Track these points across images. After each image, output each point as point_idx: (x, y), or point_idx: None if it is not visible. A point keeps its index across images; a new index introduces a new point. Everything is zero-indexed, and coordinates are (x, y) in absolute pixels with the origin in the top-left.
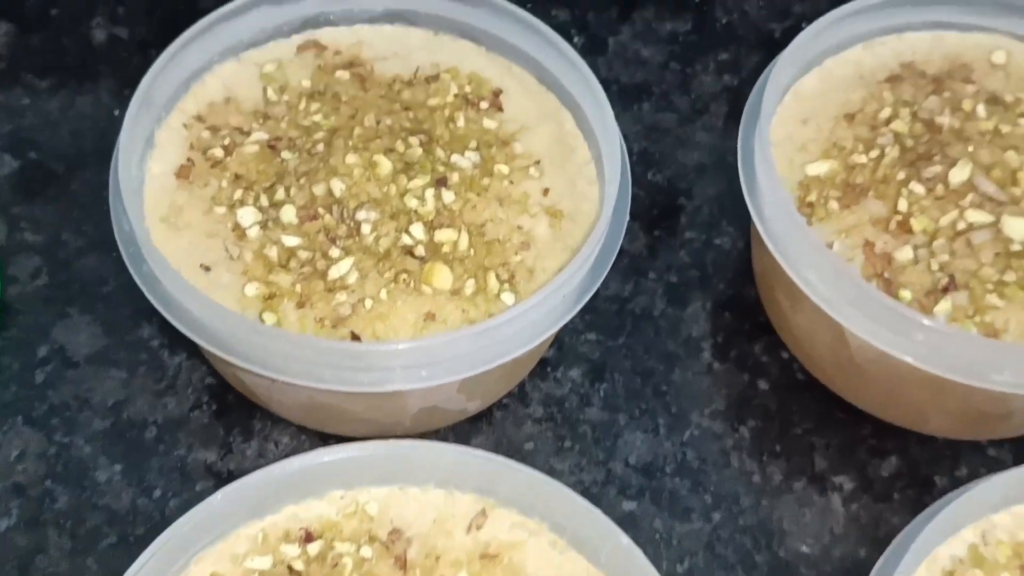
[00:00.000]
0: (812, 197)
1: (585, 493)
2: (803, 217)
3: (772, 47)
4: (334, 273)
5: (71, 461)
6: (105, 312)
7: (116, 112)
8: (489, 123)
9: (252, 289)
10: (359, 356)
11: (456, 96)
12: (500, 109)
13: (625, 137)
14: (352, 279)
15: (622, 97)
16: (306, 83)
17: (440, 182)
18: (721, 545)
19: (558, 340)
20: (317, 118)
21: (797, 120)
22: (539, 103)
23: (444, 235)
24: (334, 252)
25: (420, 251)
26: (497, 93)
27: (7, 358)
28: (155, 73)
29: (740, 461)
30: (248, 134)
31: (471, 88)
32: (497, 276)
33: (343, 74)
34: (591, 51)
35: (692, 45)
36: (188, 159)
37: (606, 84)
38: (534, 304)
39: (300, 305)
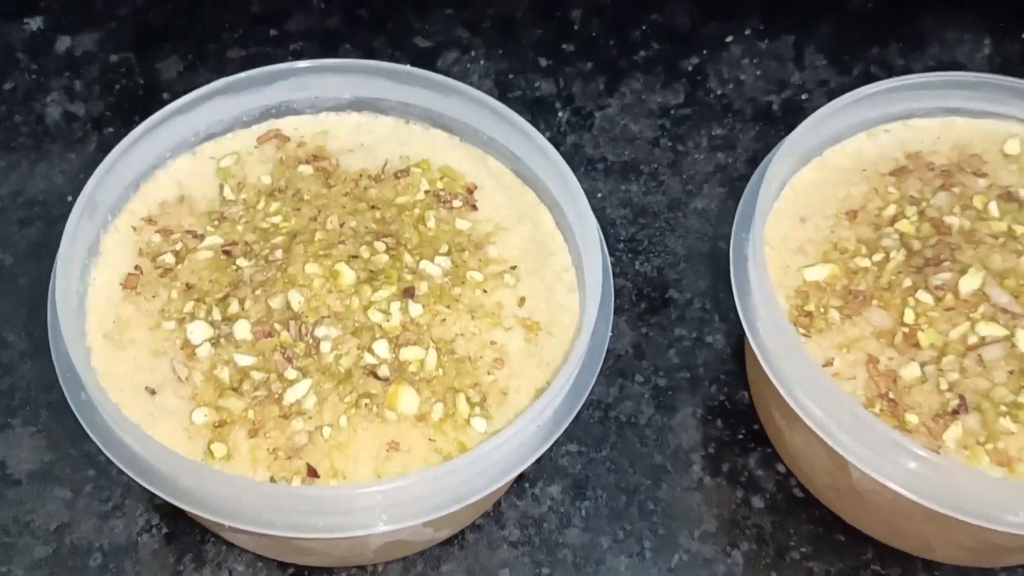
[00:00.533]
0: (810, 306)
1: None
2: (799, 330)
3: (769, 120)
4: (290, 397)
5: None
6: (50, 422)
7: (69, 198)
8: (462, 223)
9: (201, 416)
10: (313, 501)
11: (427, 193)
12: (474, 207)
13: (612, 222)
14: (309, 404)
15: (608, 176)
16: (266, 179)
17: (407, 293)
18: None
19: None
20: (276, 219)
21: (795, 218)
22: (516, 199)
23: (410, 353)
24: (291, 373)
25: (384, 371)
26: (471, 189)
27: None
28: (101, 175)
29: None
30: (202, 238)
31: (443, 184)
32: (468, 399)
33: (306, 168)
34: (577, 127)
35: (684, 119)
36: (136, 267)
37: (591, 162)
38: (506, 439)
39: (252, 434)
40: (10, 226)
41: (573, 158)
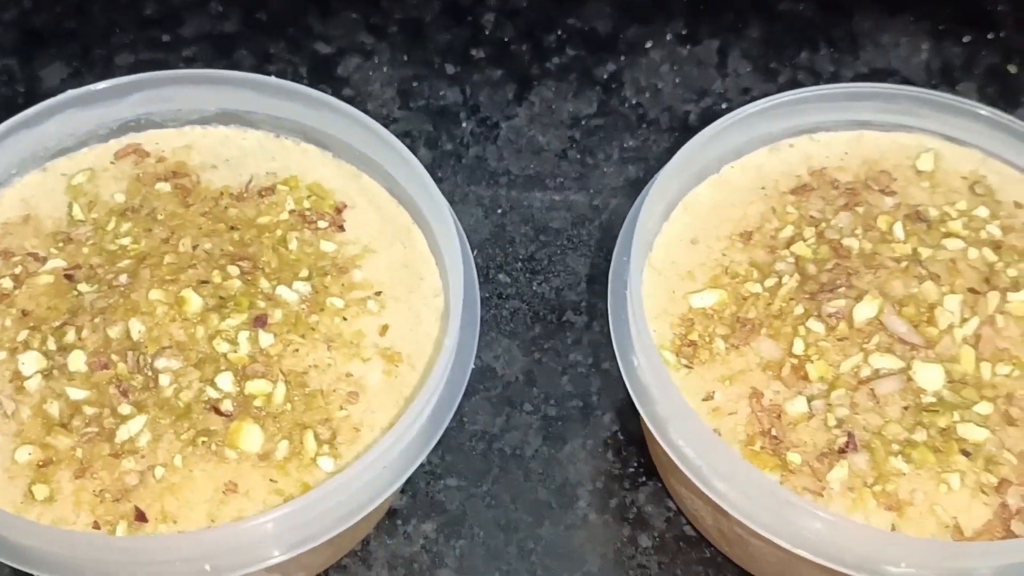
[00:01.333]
0: (695, 335)
1: None
2: (681, 360)
3: (686, 130)
4: (123, 434)
5: None
6: None
7: None
8: (327, 245)
9: (24, 454)
10: (128, 551)
11: (292, 213)
12: (341, 228)
13: (511, 240)
14: (143, 441)
15: (511, 190)
16: (120, 197)
17: (258, 321)
18: None
19: (412, 484)
20: (125, 241)
21: (685, 240)
22: (388, 220)
23: (257, 386)
24: (125, 408)
25: (227, 406)
26: (340, 208)
27: None
28: None
29: None
30: (44, 261)
31: (310, 203)
32: (316, 436)
33: (164, 186)
34: (481, 138)
35: (595, 129)
36: None
37: (494, 175)
38: (345, 482)
39: (79, 474)
40: None
41: (475, 171)
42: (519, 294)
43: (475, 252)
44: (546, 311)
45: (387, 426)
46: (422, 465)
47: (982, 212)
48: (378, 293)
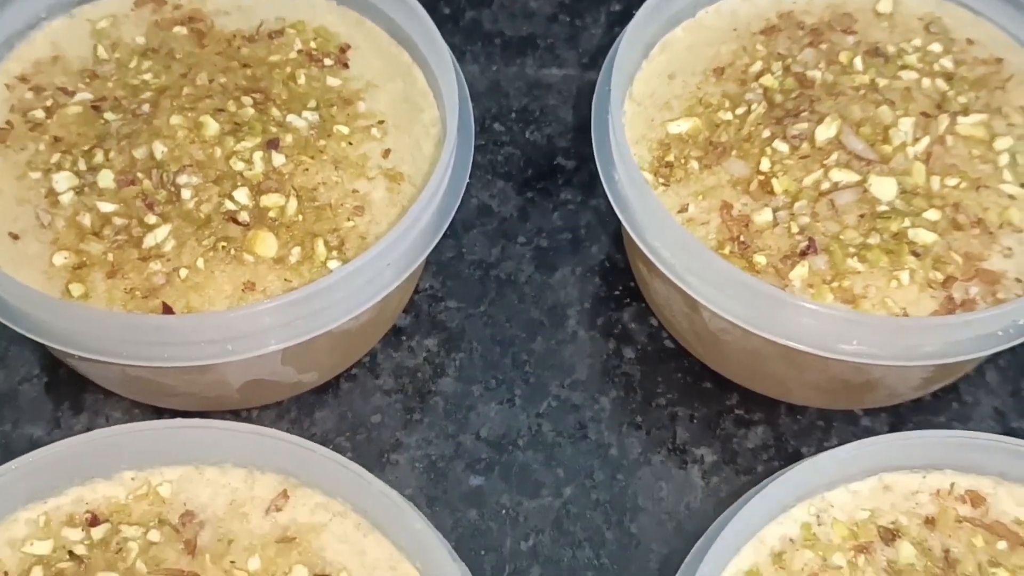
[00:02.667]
0: (671, 157)
1: (431, 467)
2: (658, 179)
3: None
4: (149, 241)
5: None
6: None
7: None
8: (333, 81)
9: (61, 259)
10: (158, 330)
11: (300, 52)
12: (346, 66)
13: (505, 94)
14: (168, 247)
15: (505, 51)
16: (140, 40)
17: (271, 144)
18: (570, 521)
19: (415, 306)
20: (147, 77)
21: (663, 75)
22: (389, 59)
23: (271, 200)
24: (151, 219)
25: (244, 217)
26: (344, 49)
27: None
28: None
29: (598, 434)
30: (72, 94)
31: (316, 44)
32: (326, 243)
33: (180, 30)
34: (477, 3)
35: None
36: (7, 122)
37: (489, 37)
38: (353, 270)
39: (111, 275)
40: None
41: (471, 33)
42: (513, 141)
43: (472, 104)
44: (538, 156)
45: None
46: (424, 289)
47: (936, 48)
48: (381, 122)
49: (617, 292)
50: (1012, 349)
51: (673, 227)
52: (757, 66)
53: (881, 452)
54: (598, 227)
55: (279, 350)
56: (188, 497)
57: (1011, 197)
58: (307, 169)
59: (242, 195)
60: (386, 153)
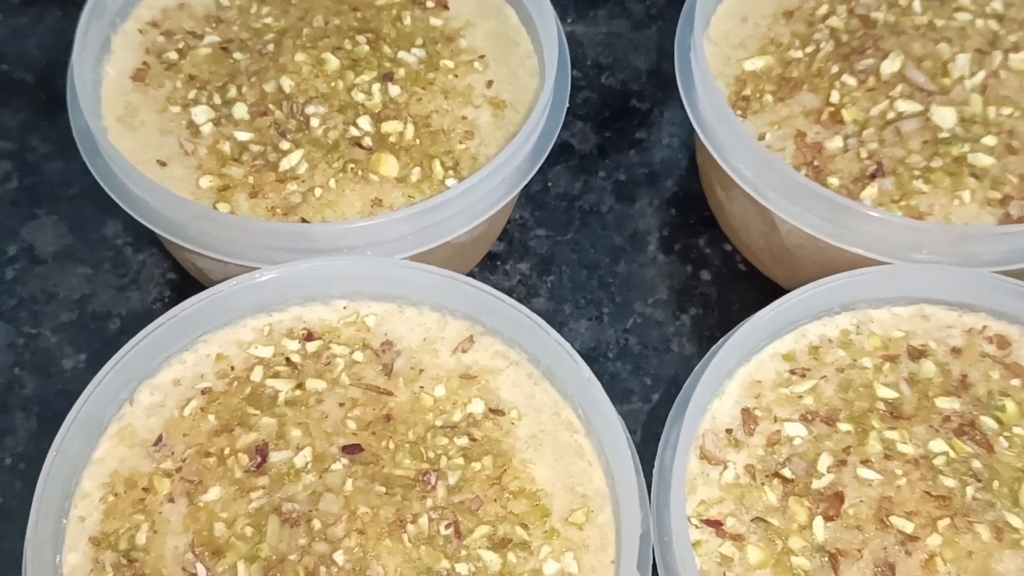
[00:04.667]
0: (747, 91)
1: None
2: (736, 111)
3: None
4: (285, 165)
5: (38, 351)
6: (71, 212)
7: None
8: (435, 21)
9: (206, 182)
10: (305, 237)
11: None
12: (446, 7)
13: (580, 44)
14: (302, 170)
15: (578, 5)
16: None
17: (387, 77)
18: (658, 424)
19: (507, 235)
20: (267, 20)
21: (737, 18)
22: (482, 0)
23: (391, 126)
24: (284, 145)
25: (367, 142)
26: None
27: None
28: None
29: (680, 346)
30: (201, 37)
31: None
32: (442, 163)
33: None
34: None
35: None
36: (144, 63)
37: None
38: (472, 185)
39: (252, 195)
40: (32, 51)
41: None
42: (589, 86)
43: None
44: (613, 99)
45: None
46: (515, 219)
47: None
48: (481, 56)
49: (692, 220)
50: None
51: (756, 148)
52: (823, 8)
53: (924, 280)
54: (672, 162)
55: (408, 256)
56: (389, 329)
57: None
58: (420, 99)
59: (364, 122)
60: (488, 84)
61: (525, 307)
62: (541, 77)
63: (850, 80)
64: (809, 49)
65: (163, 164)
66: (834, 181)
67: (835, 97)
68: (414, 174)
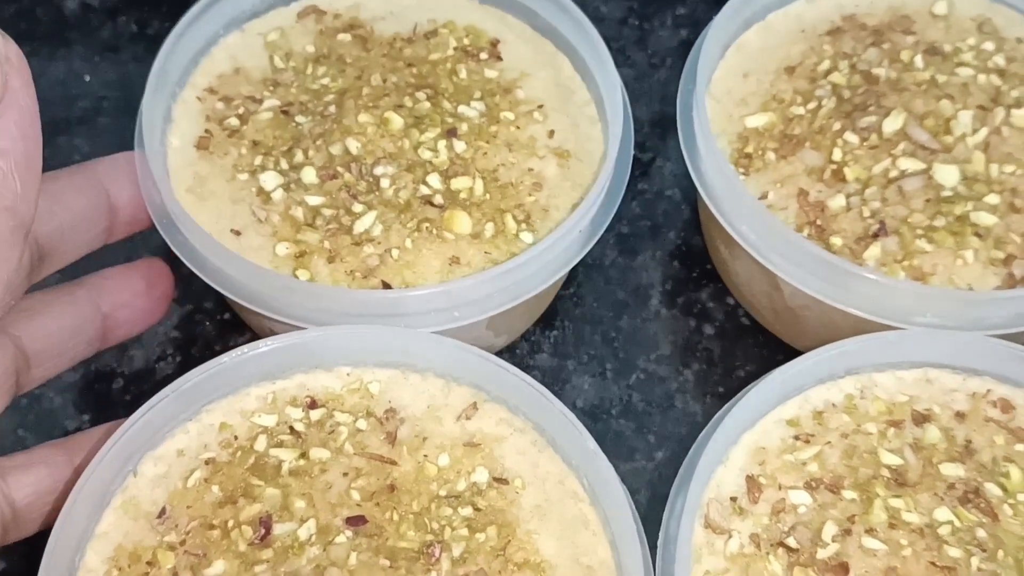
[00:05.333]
0: (750, 148)
1: None
2: (738, 169)
3: None
4: (359, 227)
5: (42, 413)
6: (75, 273)
7: (87, 78)
8: (490, 72)
9: (283, 249)
10: (392, 303)
11: (456, 49)
12: (499, 58)
13: None
14: (377, 231)
15: None
16: (310, 48)
17: (450, 133)
18: (663, 483)
19: None
20: (325, 81)
21: (738, 74)
22: (536, 50)
23: (460, 183)
24: (357, 207)
25: (439, 199)
26: (495, 43)
27: None
28: (167, 51)
29: (684, 403)
30: (260, 102)
31: (469, 40)
32: (514, 217)
33: (344, 37)
34: None
35: (650, 1)
36: (206, 131)
37: None
38: (552, 243)
39: (330, 260)
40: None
41: None
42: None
43: None
44: None
45: (567, 206)
46: None
47: (989, 46)
48: (540, 106)
49: (695, 274)
50: None
51: (758, 210)
52: (825, 64)
53: (928, 345)
54: (674, 214)
55: (490, 315)
56: (392, 396)
57: None
58: (485, 153)
59: (434, 180)
60: (550, 134)
61: (528, 375)
62: (602, 125)
63: (852, 138)
64: (811, 106)
65: (237, 233)
66: (837, 241)
67: (837, 155)
68: (487, 230)
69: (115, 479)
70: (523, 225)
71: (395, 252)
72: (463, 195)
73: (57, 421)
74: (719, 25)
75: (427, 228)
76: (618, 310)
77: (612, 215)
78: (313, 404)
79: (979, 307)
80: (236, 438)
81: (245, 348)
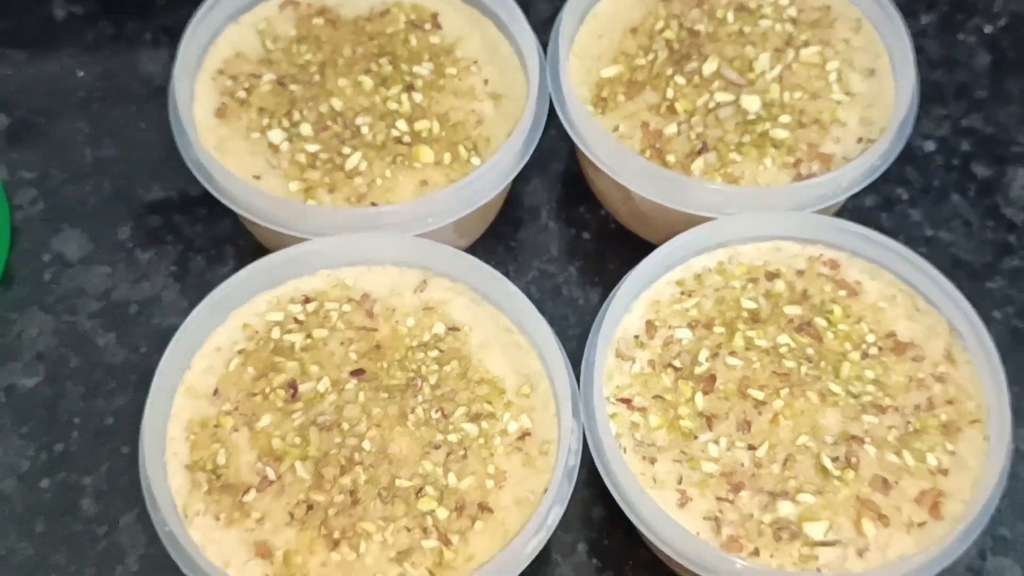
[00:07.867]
0: (604, 93)
1: None
2: (596, 110)
3: None
4: (349, 165)
5: (77, 334)
6: (89, 225)
7: (80, 73)
8: (434, 39)
9: (294, 186)
10: (378, 217)
11: (405, 23)
12: (439, 27)
13: None
14: (363, 167)
15: None
16: (292, 32)
17: (409, 88)
18: (566, 344)
19: None
20: (308, 56)
21: (594, 36)
22: (467, 18)
23: (421, 125)
24: (345, 150)
25: (407, 139)
26: (435, 16)
27: (21, 265)
28: (185, 44)
29: (569, 291)
30: (260, 77)
31: (415, 15)
32: (464, 147)
33: (318, 20)
34: None
35: None
36: (222, 103)
37: None
38: (495, 163)
39: (331, 191)
40: (41, 97)
41: None
42: None
43: None
44: None
45: (504, 136)
46: None
47: (784, 1)
48: (475, 62)
49: (575, 194)
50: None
51: (612, 140)
52: (660, 24)
53: (778, 223)
54: (559, 149)
55: (453, 221)
56: (364, 285)
57: (838, 102)
58: (437, 101)
59: (402, 124)
60: (486, 82)
61: (460, 251)
62: (524, 71)
63: (681, 80)
64: (650, 57)
65: (258, 178)
66: (671, 159)
67: (670, 93)
68: (446, 158)
69: (176, 373)
70: (472, 152)
71: (379, 181)
72: (424, 134)
73: (89, 339)
74: (574, 2)
75: (400, 161)
76: (515, 225)
77: (538, 139)
78: (307, 300)
79: (774, 197)
80: (257, 332)
81: (253, 264)
